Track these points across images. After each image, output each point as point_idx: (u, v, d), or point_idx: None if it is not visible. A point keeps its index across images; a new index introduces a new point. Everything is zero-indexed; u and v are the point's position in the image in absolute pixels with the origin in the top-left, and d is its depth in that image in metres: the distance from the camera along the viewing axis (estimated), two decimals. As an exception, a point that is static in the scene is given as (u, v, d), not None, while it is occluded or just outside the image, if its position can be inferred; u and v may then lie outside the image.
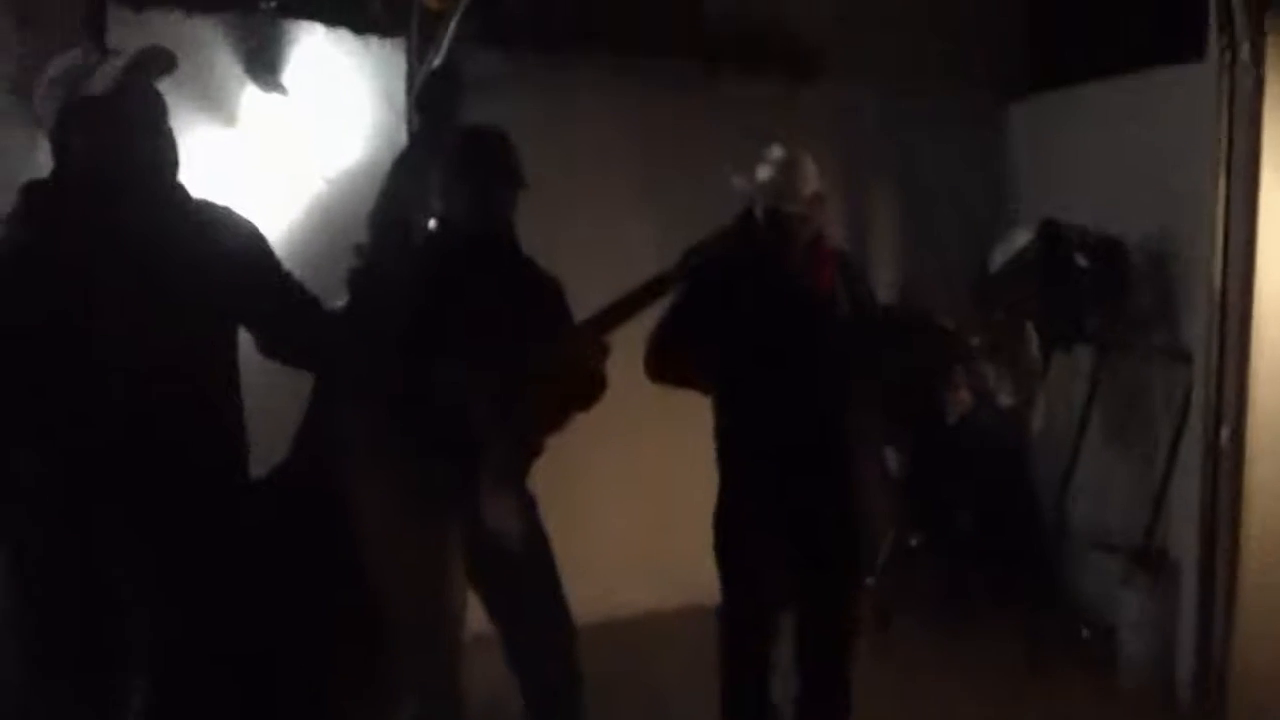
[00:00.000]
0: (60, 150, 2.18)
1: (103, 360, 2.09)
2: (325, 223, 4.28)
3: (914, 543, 5.12)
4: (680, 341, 3.04)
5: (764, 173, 3.06)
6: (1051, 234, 4.79)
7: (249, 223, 2.36)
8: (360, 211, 4.22)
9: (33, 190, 2.20)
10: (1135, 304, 4.81)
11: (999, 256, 4.99)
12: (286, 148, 4.28)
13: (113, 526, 2.12)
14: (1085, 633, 4.76)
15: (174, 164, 2.22)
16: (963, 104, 5.52)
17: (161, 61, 2.19)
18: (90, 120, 2.13)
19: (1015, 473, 5.27)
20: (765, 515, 3.04)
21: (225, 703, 2.16)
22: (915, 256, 5.43)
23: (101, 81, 2.12)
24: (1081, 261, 4.77)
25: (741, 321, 3.02)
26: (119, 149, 2.15)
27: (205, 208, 2.30)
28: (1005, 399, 4.76)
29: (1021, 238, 4.89)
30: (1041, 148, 5.42)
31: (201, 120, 4.10)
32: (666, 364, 3.07)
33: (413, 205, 2.65)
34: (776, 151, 3.09)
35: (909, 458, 5.00)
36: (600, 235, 4.59)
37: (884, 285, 4.86)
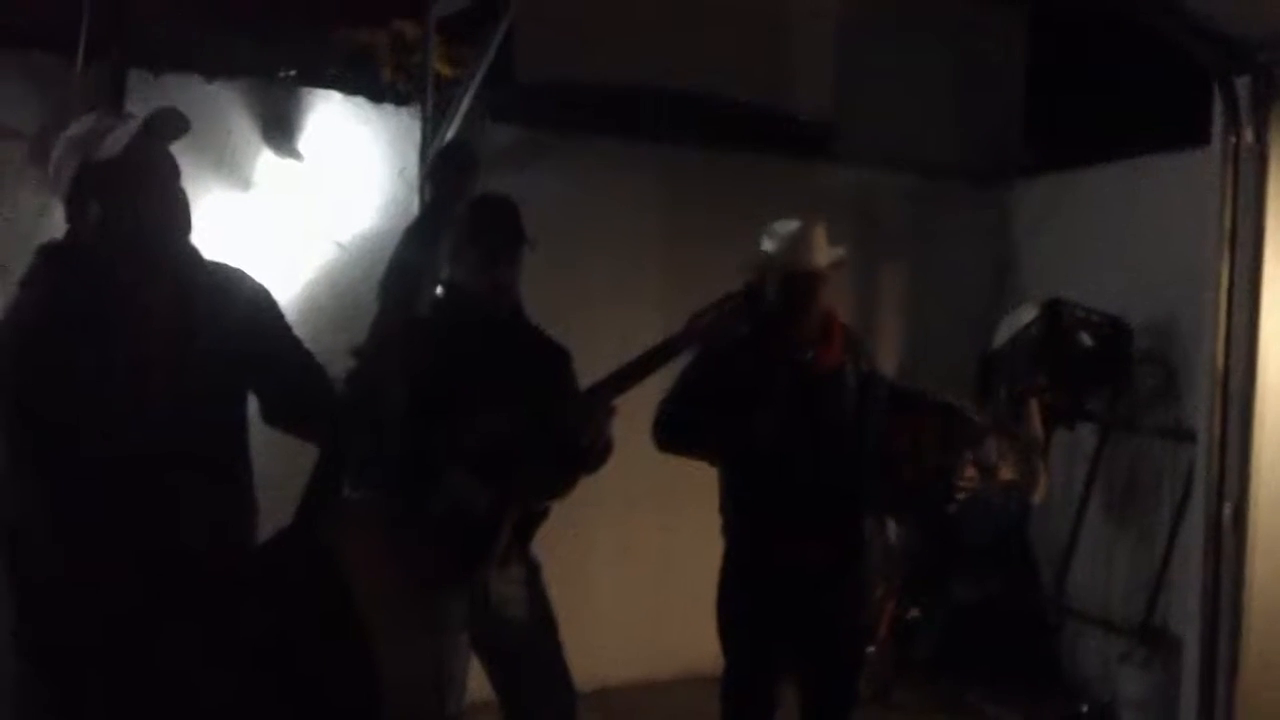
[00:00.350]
0: (74, 212, 2.19)
1: (116, 421, 2.09)
2: (336, 287, 4.34)
3: (913, 614, 5.10)
4: (687, 411, 3.06)
5: (779, 244, 3.10)
6: (1055, 312, 4.83)
7: (261, 287, 2.36)
8: (372, 276, 4.35)
9: (48, 252, 2.22)
10: (1138, 383, 4.83)
11: (1003, 333, 5.02)
12: (300, 212, 4.34)
13: (119, 580, 2.12)
14: (1084, 709, 4.73)
15: (185, 226, 2.23)
16: (967, 184, 5.62)
17: (175, 124, 2.20)
18: (104, 182, 2.14)
19: (1015, 548, 5.26)
20: (769, 584, 3.04)
21: None
22: (919, 332, 5.46)
23: (115, 144, 2.14)
24: (1085, 340, 4.81)
25: (749, 393, 3.03)
26: (131, 211, 2.16)
27: (218, 270, 2.31)
28: (1007, 474, 4.76)
29: (1025, 315, 4.93)
30: (1046, 228, 5.48)
31: (217, 184, 4.17)
32: (674, 433, 3.09)
33: (423, 273, 2.67)
34: (792, 223, 3.12)
35: (910, 529, 5.00)
36: (607, 305, 4.65)
37: (887, 360, 4.89)
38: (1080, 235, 5.22)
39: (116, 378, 2.09)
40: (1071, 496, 5.00)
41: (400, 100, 4.58)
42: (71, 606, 2.10)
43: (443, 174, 2.60)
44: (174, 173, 2.23)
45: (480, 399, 2.71)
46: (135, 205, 2.16)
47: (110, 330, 2.11)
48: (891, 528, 5.00)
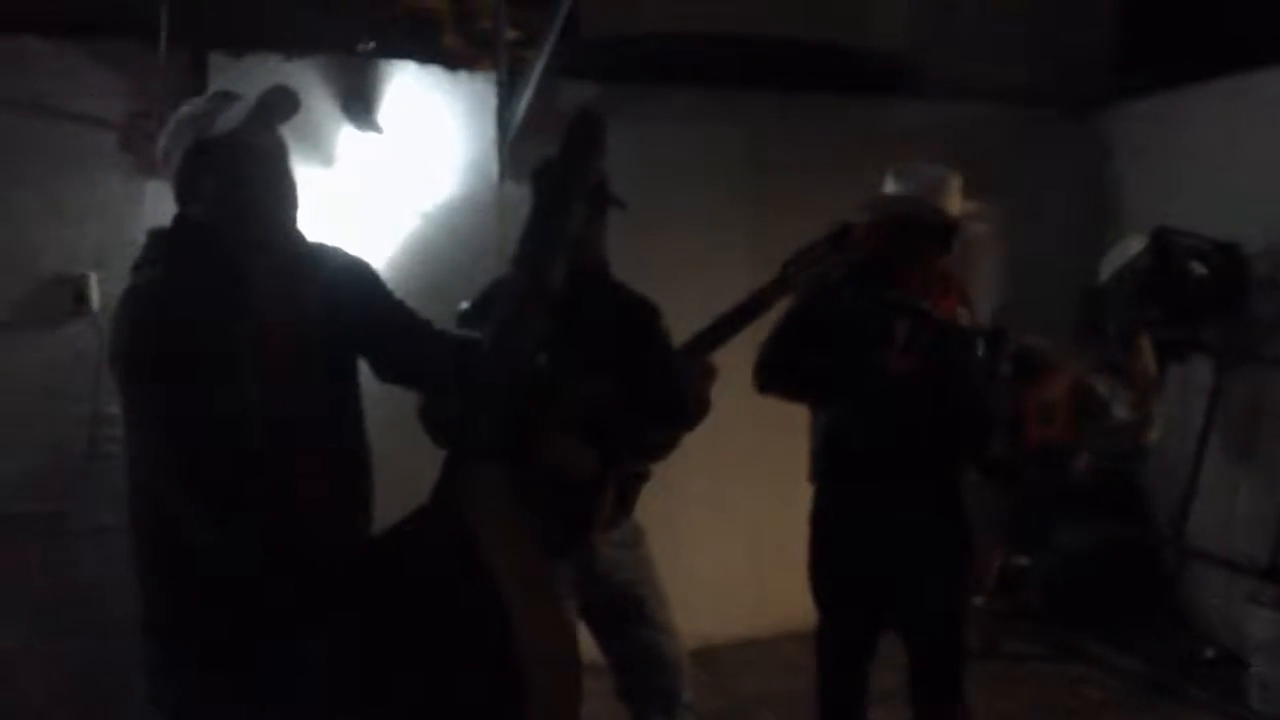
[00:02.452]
0: (186, 191, 2.22)
1: (236, 396, 2.11)
2: (422, 256, 4.36)
3: (1022, 562, 4.98)
4: (794, 353, 2.98)
5: (910, 186, 3.00)
6: (1164, 242, 4.64)
7: (358, 258, 2.39)
8: (455, 242, 4.38)
9: (159, 235, 2.25)
10: (1255, 311, 4.62)
11: (1109, 267, 4.84)
12: (383, 184, 4.36)
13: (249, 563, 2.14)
14: (1209, 653, 4.58)
15: (294, 204, 2.26)
16: (1062, 112, 5.40)
17: (287, 103, 2.22)
18: (217, 161, 2.17)
19: (1129, 490, 5.10)
20: (859, 535, 2.97)
21: None
22: (1018, 270, 5.29)
23: (229, 123, 2.16)
24: (1197, 269, 4.61)
25: (858, 335, 2.94)
26: (245, 189, 2.18)
27: (317, 246, 2.33)
28: (1120, 414, 4.61)
29: (1132, 246, 4.75)
30: (1149, 154, 5.25)
31: (300, 160, 4.19)
32: (778, 375, 3.02)
33: (558, 245, 2.61)
34: (926, 167, 3.03)
35: (1018, 475, 4.87)
36: (691, 257, 4.59)
37: (986, 301, 4.75)
38: (1185, 160, 4.98)
39: (234, 352, 2.12)
40: (1189, 433, 4.80)
41: (474, 67, 4.56)
42: (206, 581, 2.13)
43: (572, 144, 2.54)
44: (284, 152, 2.25)
45: (575, 361, 2.67)
46: (249, 184, 2.18)
47: (225, 306, 2.14)
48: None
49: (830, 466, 3.07)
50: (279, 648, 2.14)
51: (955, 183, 3.04)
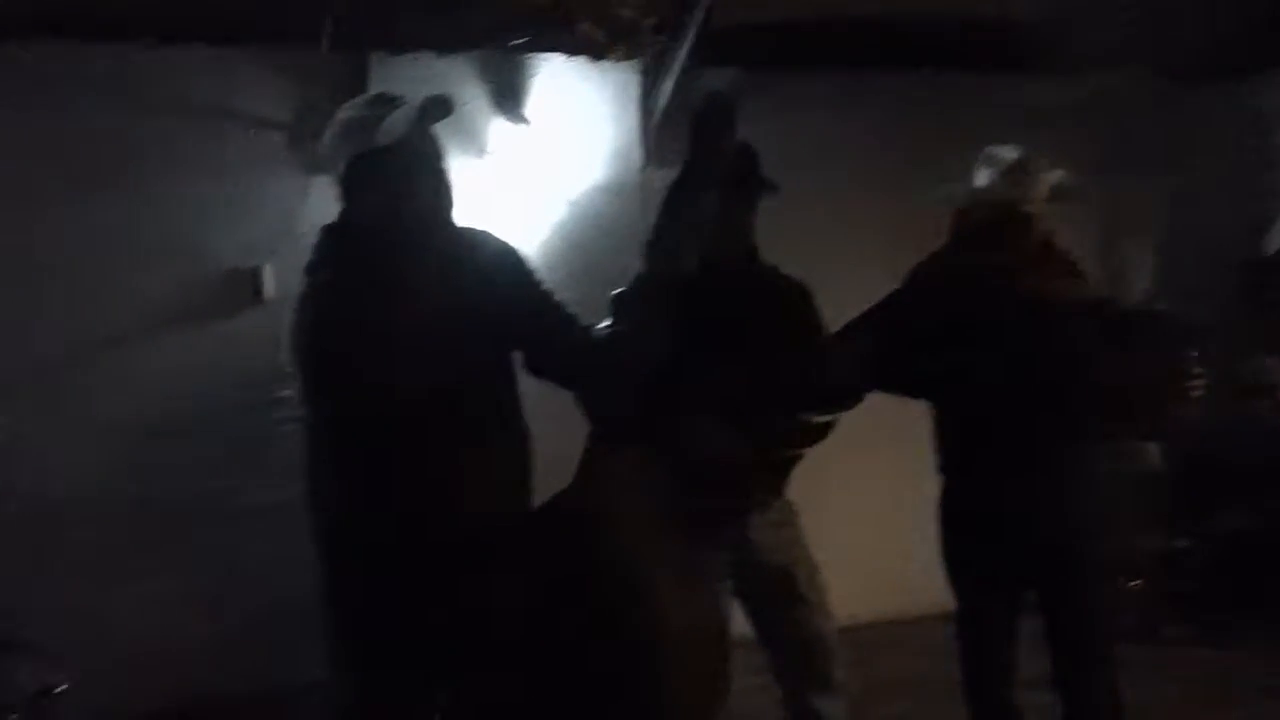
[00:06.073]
0: (352, 193, 2.35)
1: (405, 389, 2.23)
2: (569, 243, 4.47)
3: (1182, 544, 4.84)
4: (904, 348, 2.96)
5: (989, 175, 2.97)
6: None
7: (508, 245, 2.45)
8: (602, 231, 4.47)
9: (329, 234, 2.39)
10: None
11: (1276, 239, 4.65)
12: (532, 174, 4.48)
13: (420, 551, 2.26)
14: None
15: (451, 203, 2.38)
16: (1216, 79, 5.19)
17: (444, 108, 2.36)
18: (382, 165, 2.30)
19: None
20: (985, 520, 2.93)
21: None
22: (1174, 245, 5.13)
23: (394, 128, 2.29)
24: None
25: (964, 329, 2.91)
26: (407, 192, 2.31)
27: (471, 235, 2.42)
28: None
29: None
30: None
31: (454, 153, 4.34)
32: (893, 374, 2.99)
33: (687, 232, 2.66)
34: (1003, 151, 2.98)
35: (1174, 454, 4.73)
36: (838, 238, 4.59)
37: (1138, 278, 4.63)
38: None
39: (401, 349, 2.24)
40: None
41: (619, 58, 4.63)
42: (373, 563, 2.28)
43: (701, 129, 2.58)
44: (442, 154, 2.38)
45: (724, 345, 2.69)
46: (412, 186, 2.32)
47: (391, 304, 2.25)
48: (1153, 452, 4.75)
49: (951, 458, 3.03)
50: (444, 624, 2.25)
51: (1034, 161, 2.96)
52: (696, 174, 2.48)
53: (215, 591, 4.14)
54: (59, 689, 1.70)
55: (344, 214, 2.38)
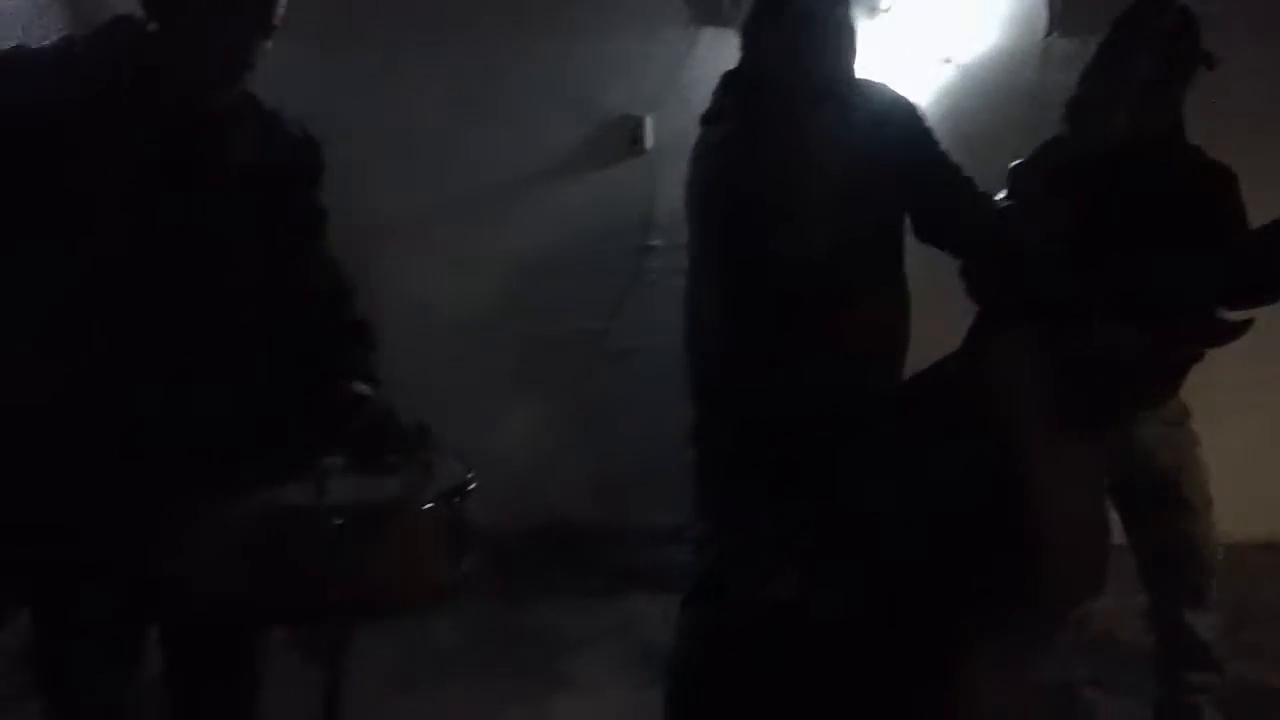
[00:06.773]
0: (752, 45, 2.36)
1: (800, 244, 2.23)
2: (955, 110, 4.24)
3: None
4: None
5: None
6: None
7: (908, 101, 2.40)
8: (990, 98, 4.20)
9: (729, 82, 2.41)
10: None
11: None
12: (921, 34, 4.29)
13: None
14: None
15: (855, 54, 2.35)
16: None
17: None
18: (788, 21, 2.30)
19: None
20: None
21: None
22: None
23: None
24: None
25: None
26: (812, 48, 2.30)
27: (869, 88, 2.39)
28: None
29: None
30: None
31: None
32: None
33: (1115, 95, 2.46)
34: None
35: None
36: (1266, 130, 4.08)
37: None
38: None
39: (798, 200, 2.24)
40: None
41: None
42: (745, 411, 2.31)
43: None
44: (847, 7, 2.34)
45: (1140, 227, 2.46)
46: (816, 42, 2.30)
47: (794, 150, 2.26)
48: None
49: None
50: (813, 481, 2.24)
51: None
52: (1132, 34, 2.27)
53: (585, 426, 4.35)
54: (471, 486, 1.86)
55: (744, 61, 2.38)
